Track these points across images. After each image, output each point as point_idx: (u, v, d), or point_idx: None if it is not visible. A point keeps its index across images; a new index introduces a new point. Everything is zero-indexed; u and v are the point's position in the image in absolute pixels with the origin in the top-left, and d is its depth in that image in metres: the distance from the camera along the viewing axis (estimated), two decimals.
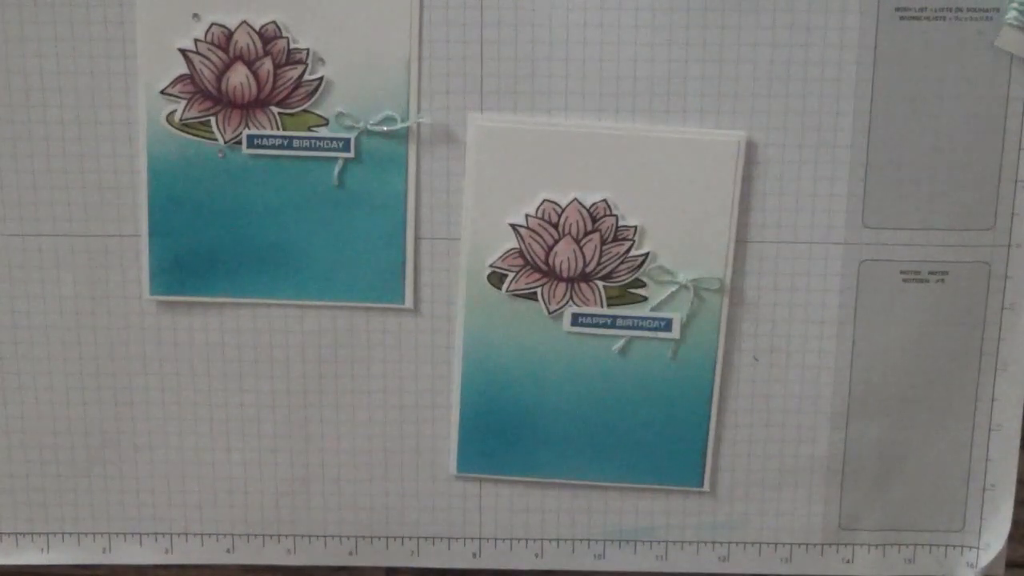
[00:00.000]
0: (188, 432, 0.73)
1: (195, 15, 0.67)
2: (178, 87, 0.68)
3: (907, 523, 0.74)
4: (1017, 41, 0.66)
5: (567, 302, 0.70)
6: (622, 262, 0.69)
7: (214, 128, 0.68)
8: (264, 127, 0.68)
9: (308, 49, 0.67)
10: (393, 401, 0.73)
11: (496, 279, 0.70)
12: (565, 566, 0.75)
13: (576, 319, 0.70)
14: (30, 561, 0.75)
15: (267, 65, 0.67)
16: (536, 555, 0.75)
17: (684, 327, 0.70)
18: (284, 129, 0.68)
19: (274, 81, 0.68)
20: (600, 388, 0.71)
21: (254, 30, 0.67)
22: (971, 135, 0.68)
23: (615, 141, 0.68)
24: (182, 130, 0.69)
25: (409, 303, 0.71)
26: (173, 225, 0.70)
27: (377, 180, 0.69)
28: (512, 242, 0.69)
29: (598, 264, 0.69)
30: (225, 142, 0.69)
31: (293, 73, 0.68)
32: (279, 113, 0.68)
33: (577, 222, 0.69)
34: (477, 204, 0.69)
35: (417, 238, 0.70)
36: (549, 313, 0.70)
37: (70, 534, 0.75)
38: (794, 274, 0.70)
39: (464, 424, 0.73)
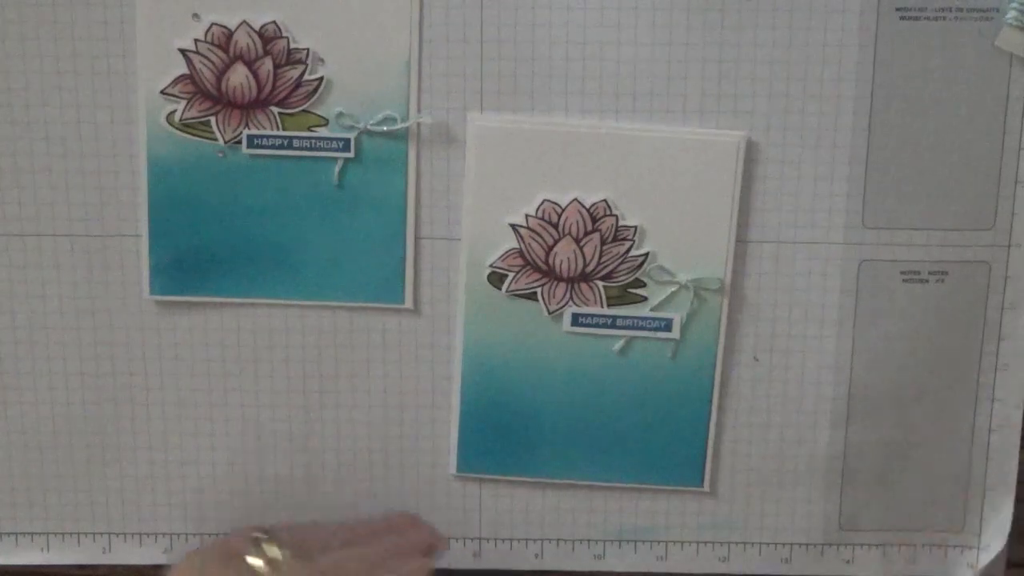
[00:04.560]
0: (188, 432, 0.73)
1: (195, 15, 0.67)
2: (178, 87, 0.68)
3: (907, 523, 0.74)
4: (1017, 41, 0.66)
5: (567, 302, 0.70)
6: (622, 262, 0.69)
7: (214, 128, 0.68)
8: (264, 127, 0.68)
9: (308, 49, 0.67)
10: (393, 401, 0.73)
11: (496, 279, 0.70)
12: (565, 566, 0.75)
13: (576, 319, 0.70)
14: (30, 561, 0.75)
15: (267, 65, 0.67)
16: (536, 555, 0.75)
17: (684, 327, 0.70)
18: (284, 129, 0.68)
19: (274, 81, 0.68)
20: (600, 388, 0.71)
21: (254, 30, 0.67)
22: (971, 135, 0.68)
23: (615, 141, 0.68)
24: (182, 130, 0.69)
25: (409, 303, 0.71)
26: (173, 225, 0.70)
27: (377, 180, 0.69)
28: (512, 242, 0.69)
29: (598, 264, 0.69)
30: (225, 142, 0.69)
31: (293, 73, 0.68)
32: (279, 113, 0.68)
33: (577, 222, 0.69)
34: (477, 204, 0.69)
35: (417, 238, 0.70)
36: (549, 313, 0.70)
37: (70, 534, 0.75)
38: (794, 274, 0.70)
39: (464, 424, 0.73)
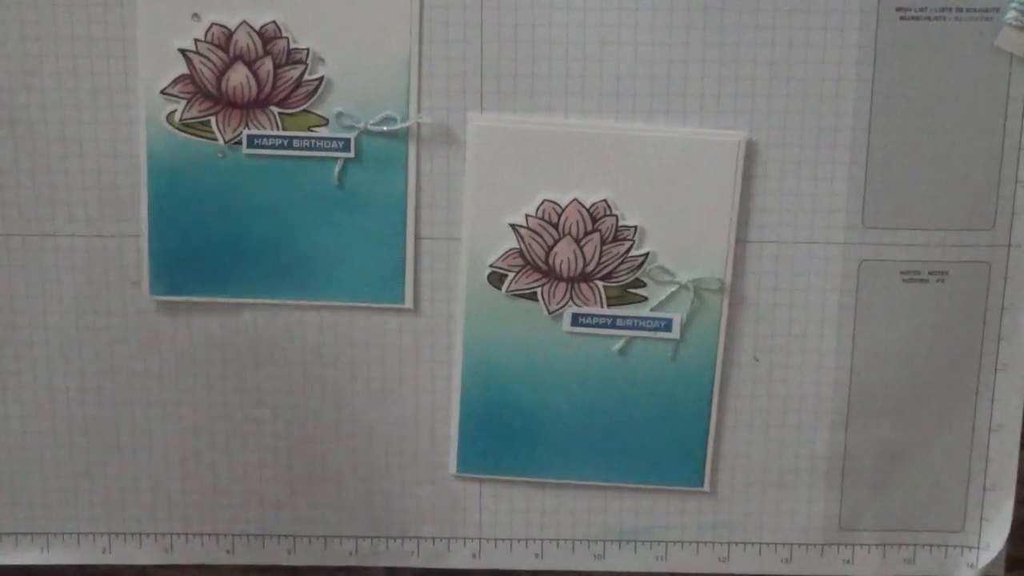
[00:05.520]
0: (188, 432, 0.73)
1: (195, 15, 0.67)
2: (178, 87, 0.68)
3: (907, 523, 0.74)
4: (1017, 41, 0.66)
5: (567, 302, 0.70)
6: (622, 262, 0.69)
7: (214, 128, 0.68)
8: (264, 127, 0.68)
9: (308, 49, 0.67)
10: (393, 401, 0.73)
11: (496, 279, 0.70)
12: (565, 566, 0.75)
13: (576, 319, 0.70)
14: (30, 561, 0.75)
15: (267, 65, 0.67)
16: (536, 555, 0.75)
17: (684, 327, 0.70)
18: (284, 129, 0.68)
19: (274, 81, 0.68)
20: (600, 388, 0.71)
21: (254, 30, 0.67)
22: (971, 135, 0.68)
23: (615, 141, 0.68)
24: (182, 130, 0.69)
25: (409, 303, 0.71)
26: (173, 225, 0.70)
27: (377, 180, 0.69)
28: (512, 242, 0.69)
29: (598, 264, 0.69)
30: (225, 142, 0.69)
31: (293, 73, 0.68)
32: (279, 113, 0.68)
33: (577, 222, 0.69)
34: (477, 204, 0.69)
35: (417, 238, 0.70)
36: (549, 313, 0.70)
37: (70, 534, 0.75)
38: (794, 274, 0.70)
39: (464, 424, 0.73)
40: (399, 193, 0.69)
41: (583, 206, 0.68)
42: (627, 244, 0.69)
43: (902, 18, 0.66)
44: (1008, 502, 0.73)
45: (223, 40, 0.67)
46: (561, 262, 0.69)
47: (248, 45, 0.67)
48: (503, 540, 0.75)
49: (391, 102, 0.68)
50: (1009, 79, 0.67)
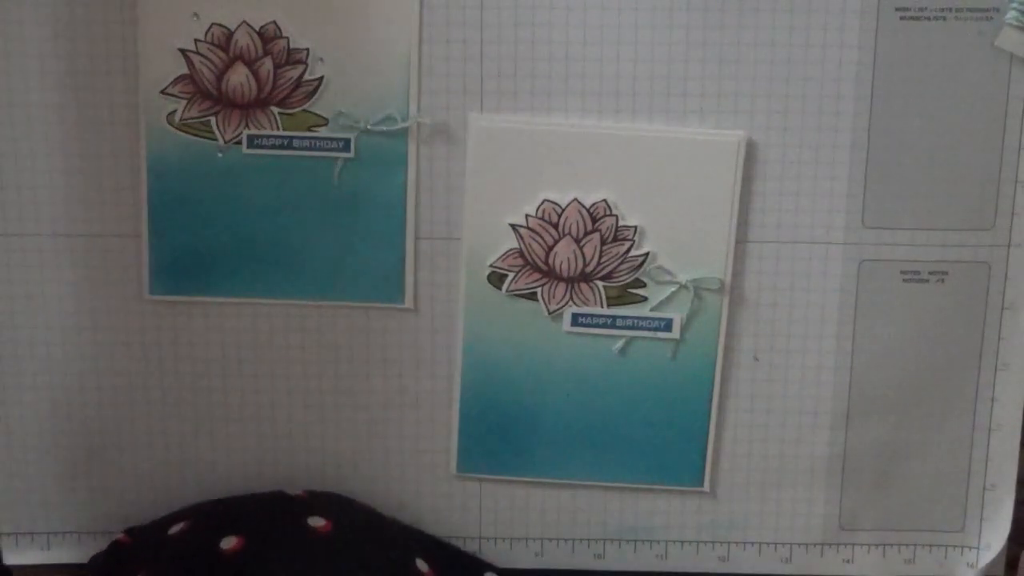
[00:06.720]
0: (188, 432, 0.73)
1: (195, 15, 0.67)
2: (178, 87, 0.68)
3: (907, 523, 0.74)
4: (1017, 41, 0.66)
5: (567, 302, 0.70)
6: (622, 262, 0.69)
7: (214, 128, 0.68)
8: (264, 127, 0.68)
9: (308, 49, 0.67)
10: (393, 401, 0.73)
11: (496, 279, 0.70)
12: (565, 566, 0.75)
13: (576, 319, 0.70)
14: (30, 561, 0.75)
15: (267, 65, 0.67)
16: (536, 555, 0.75)
17: (684, 327, 0.70)
18: (284, 129, 0.68)
19: (274, 81, 0.68)
20: (600, 388, 0.71)
21: (254, 30, 0.67)
22: (971, 135, 0.68)
23: (615, 141, 0.68)
24: (182, 130, 0.69)
25: (409, 303, 0.71)
26: (173, 225, 0.70)
27: (377, 180, 0.69)
28: (512, 242, 0.69)
29: (598, 264, 0.69)
30: (225, 142, 0.69)
31: (293, 73, 0.68)
32: (279, 113, 0.68)
33: (577, 222, 0.69)
34: (477, 204, 0.69)
35: (417, 238, 0.70)
36: (549, 313, 0.70)
37: (70, 534, 0.75)
38: (794, 274, 0.70)
39: (464, 424, 0.72)
40: (399, 193, 0.69)
41: (583, 206, 0.68)
42: (627, 244, 0.69)
43: (902, 18, 0.66)
44: (1008, 502, 0.73)
45: (223, 40, 0.67)
46: (561, 262, 0.69)
47: (248, 45, 0.67)
48: (503, 540, 0.75)
49: (391, 102, 0.68)
50: (1009, 79, 0.67)
